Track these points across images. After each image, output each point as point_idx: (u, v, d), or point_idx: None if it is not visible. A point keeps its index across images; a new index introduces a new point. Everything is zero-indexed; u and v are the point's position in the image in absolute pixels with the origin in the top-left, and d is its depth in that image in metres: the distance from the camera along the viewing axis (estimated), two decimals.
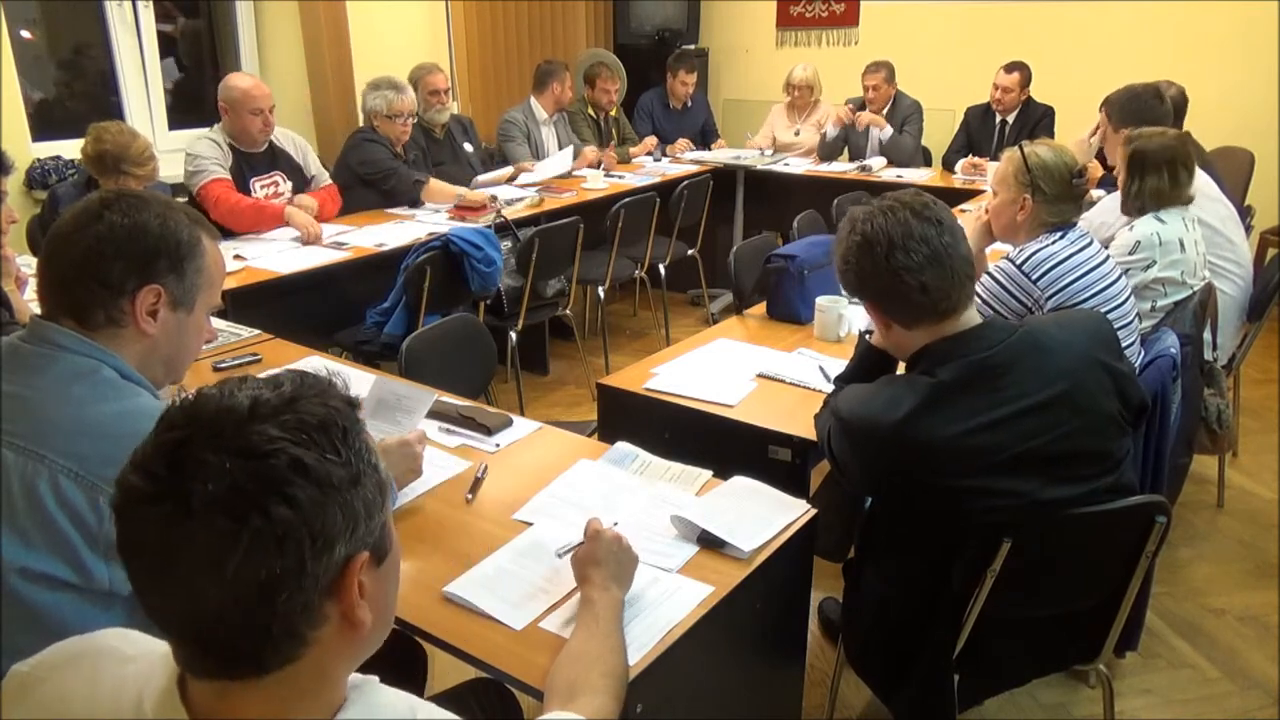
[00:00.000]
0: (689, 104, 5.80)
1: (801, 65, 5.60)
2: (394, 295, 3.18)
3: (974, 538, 1.48)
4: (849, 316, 2.51)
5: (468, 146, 4.62)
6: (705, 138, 5.85)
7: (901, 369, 1.66)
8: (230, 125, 3.51)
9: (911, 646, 1.61)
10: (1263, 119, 4.81)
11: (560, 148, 5.08)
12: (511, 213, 3.91)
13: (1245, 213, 3.51)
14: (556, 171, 4.67)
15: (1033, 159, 2.14)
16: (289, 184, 3.70)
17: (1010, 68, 4.91)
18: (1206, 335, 2.64)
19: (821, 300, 2.57)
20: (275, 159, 3.68)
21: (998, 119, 5.05)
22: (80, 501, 1.13)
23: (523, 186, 4.49)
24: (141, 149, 3.04)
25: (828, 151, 5.32)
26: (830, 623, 2.42)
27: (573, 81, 5.08)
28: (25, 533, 1.12)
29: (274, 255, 3.21)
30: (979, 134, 5.13)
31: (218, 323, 2.55)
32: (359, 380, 2.15)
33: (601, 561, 1.34)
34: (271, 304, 2.90)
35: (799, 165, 5.23)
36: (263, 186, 3.62)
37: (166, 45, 4.38)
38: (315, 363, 2.30)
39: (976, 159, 4.91)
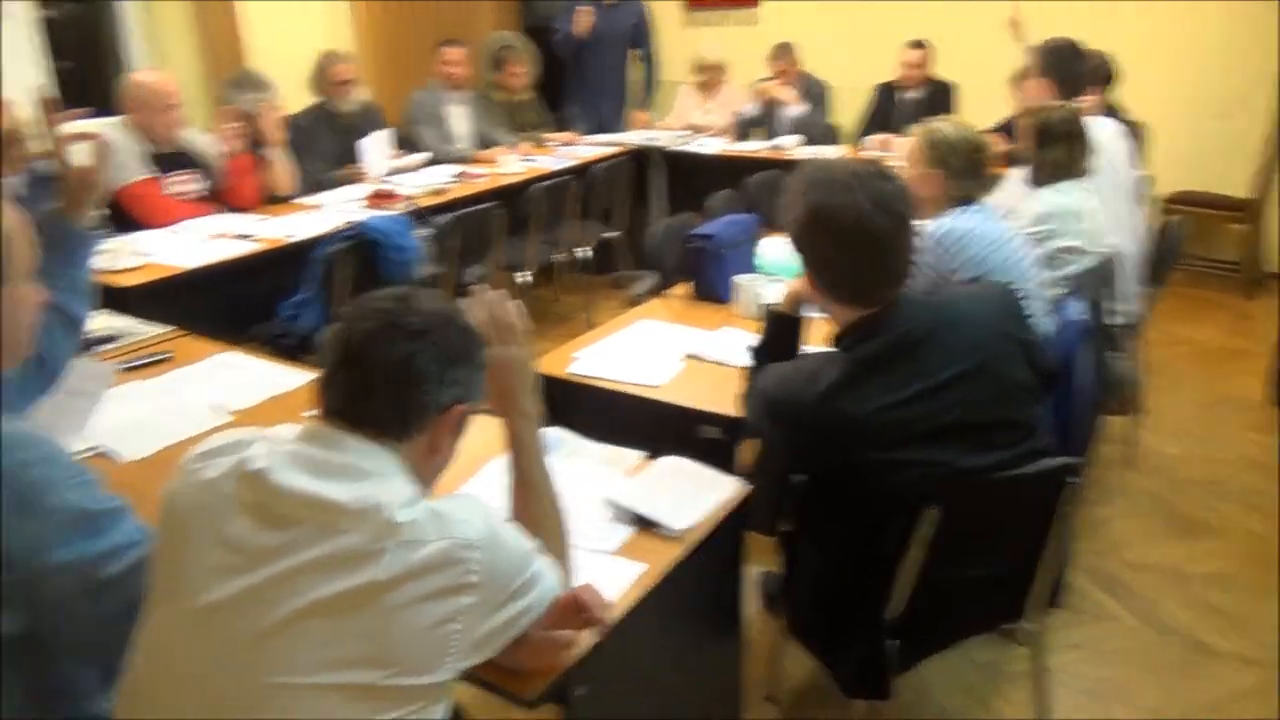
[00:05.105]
0: None
1: (711, 45, 5.63)
2: (309, 286, 3.10)
3: (900, 507, 1.52)
4: (767, 294, 2.53)
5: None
6: (635, 40, 5.76)
7: (815, 339, 1.69)
8: (139, 123, 3.37)
9: (849, 614, 1.65)
10: (1162, 90, 5.00)
11: (471, 129, 4.98)
12: (425, 199, 3.83)
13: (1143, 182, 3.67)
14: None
15: (937, 135, 2.21)
16: (203, 182, 3.59)
17: (914, 44, 5.02)
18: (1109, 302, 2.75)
19: (739, 278, 2.60)
20: (184, 155, 3.55)
21: (904, 95, 5.16)
22: None
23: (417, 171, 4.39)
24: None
25: (743, 130, 5.36)
26: (769, 595, 2.45)
27: (457, 57, 4.94)
28: None
29: (178, 250, 3.08)
30: (886, 111, 5.23)
31: (122, 322, 2.44)
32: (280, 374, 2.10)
33: (517, 371, 1.28)
34: (179, 300, 2.79)
35: (713, 145, 5.26)
36: (176, 183, 3.49)
37: (52, 33, 4.16)
38: (228, 359, 2.23)
39: (885, 135, 5.01)
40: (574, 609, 1.17)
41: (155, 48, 4.61)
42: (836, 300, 1.60)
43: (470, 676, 1.13)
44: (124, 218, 3.24)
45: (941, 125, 2.23)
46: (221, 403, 1.98)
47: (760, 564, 1.89)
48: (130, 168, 3.31)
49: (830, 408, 1.49)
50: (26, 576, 1.06)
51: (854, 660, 1.66)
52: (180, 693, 0.99)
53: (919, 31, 5.11)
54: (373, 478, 1.03)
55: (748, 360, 1.86)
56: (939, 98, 5.06)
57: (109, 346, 2.28)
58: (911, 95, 5.14)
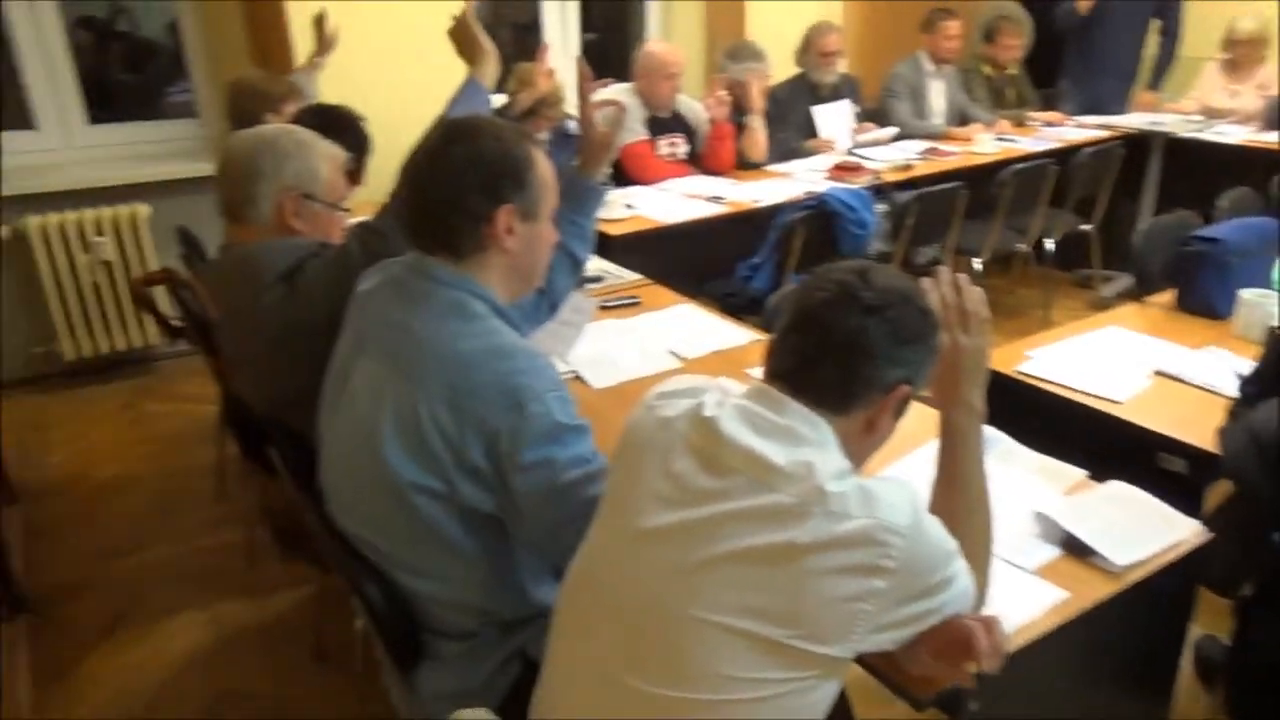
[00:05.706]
0: None
1: (1250, 15, 4.77)
2: (764, 251, 3.26)
3: None
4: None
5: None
6: (1160, 9, 5.06)
7: None
8: (643, 88, 3.81)
9: None
10: None
11: (948, 105, 4.82)
12: (890, 174, 3.80)
13: None
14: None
15: None
16: (687, 146, 3.95)
17: None
18: None
19: (1246, 293, 2.23)
20: (677, 120, 3.93)
21: None
22: (449, 424, 1.23)
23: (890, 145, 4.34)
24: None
25: (1277, 118, 4.51)
26: (1208, 664, 2.13)
27: (958, 30, 4.74)
28: (411, 449, 1.26)
29: (659, 206, 3.42)
30: None
31: (606, 265, 2.79)
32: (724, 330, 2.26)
33: (971, 361, 1.24)
34: (652, 251, 3.09)
35: (1234, 134, 4.50)
36: (666, 145, 3.89)
37: (585, 9, 4.79)
38: (685, 310, 2.44)
39: None
40: (964, 644, 1.07)
41: (668, 20, 5.09)
42: None
43: (865, 663, 1.14)
44: (619, 173, 3.68)
45: None
46: (676, 349, 2.18)
47: (1206, 627, 1.65)
48: (633, 129, 3.73)
49: None
50: (504, 465, 1.26)
51: None
52: (609, 603, 1.12)
53: None
54: (810, 445, 1.06)
55: (1237, 389, 1.61)
56: None
57: (594, 286, 2.62)
58: None
